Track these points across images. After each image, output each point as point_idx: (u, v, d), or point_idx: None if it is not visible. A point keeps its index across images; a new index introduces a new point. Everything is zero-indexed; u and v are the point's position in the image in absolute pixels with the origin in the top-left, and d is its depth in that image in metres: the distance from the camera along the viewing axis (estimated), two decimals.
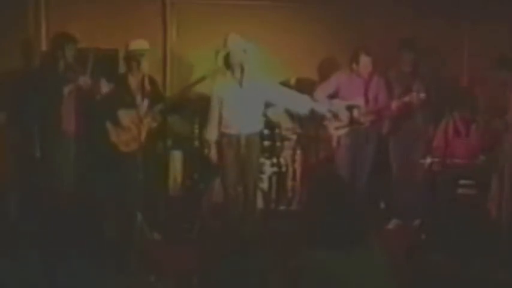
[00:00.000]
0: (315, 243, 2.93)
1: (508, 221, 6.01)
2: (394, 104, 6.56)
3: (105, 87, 6.25)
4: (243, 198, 6.07)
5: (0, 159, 6.62)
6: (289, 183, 6.90)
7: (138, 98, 6.16)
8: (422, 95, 6.34)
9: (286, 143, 6.85)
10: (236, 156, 5.98)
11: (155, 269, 4.98)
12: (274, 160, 6.77)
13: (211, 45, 6.47)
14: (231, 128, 5.98)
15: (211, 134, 6.07)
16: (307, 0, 7.20)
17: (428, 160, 6.39)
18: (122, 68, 6.52)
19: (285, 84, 6.67)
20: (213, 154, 6.07)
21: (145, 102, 6.18)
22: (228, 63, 5.97)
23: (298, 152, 6.95)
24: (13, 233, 2.96)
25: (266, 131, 6.63)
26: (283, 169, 6.82)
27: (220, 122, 6.03)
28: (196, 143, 6.79)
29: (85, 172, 6.42)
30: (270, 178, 6.76)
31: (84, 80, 6.18)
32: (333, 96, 6.67)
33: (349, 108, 6.61)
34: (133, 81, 6.23)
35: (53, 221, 2.97)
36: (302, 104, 6.16)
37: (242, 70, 5.94)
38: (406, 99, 6.46)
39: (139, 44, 6.24)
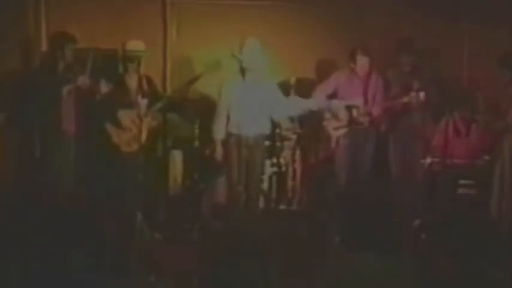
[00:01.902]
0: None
1: (508, 221, 6.01)
2: (383, 107, 6.57)
3: (104, 87, 6.26)
4: (245, 198, 6.09)
5: (0, 159, 6.62)
6: (289, 183, 6.90)
7: (137, 97, 6.17)
8: (422, 95, 6.34)
9: (286, 143, 6.85)
10: (242, 157, 6.02)
11: (155, 269, 4.97)
12: (274, 160, 6.76)
13: (211, 45, 6.48)
14: (239, 129, 6.02)
15: (219, 133, 6.11)
16: (307, 0, 7.20)
17: (428, 160, 6.40)
18: (120, 68, 6.52)
19: (285, 84, 6.67)
20: (219, 153, 6.11)
21: (144, 102, 6.19)
22: (240, 66, 6.03)
23: (298, 152, 6.94)
24: (13, 233, 2.96)
25: (266, 131, 6.63)
26: (283, 169, 6.81)
27: (227, 122, 6.08)
28: (196, 143, 6.79)
29: (85, 172, 6.42)
30: (270, 178, 6.76)
31: (84, 81, 6.18)
32: (332, 96, 6.67)
33: (348, 108, 6.62)
34: (131, 81, 6.24)
35: (53, 221, 2.97)
36: (302, 106, 6.24)
37: (252, 72, 6.00)
38: (405, 100, 6.46)
39: (135, 45, 6.24)
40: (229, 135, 6.10)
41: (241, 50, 6.03)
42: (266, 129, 6.26)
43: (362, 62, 6.55)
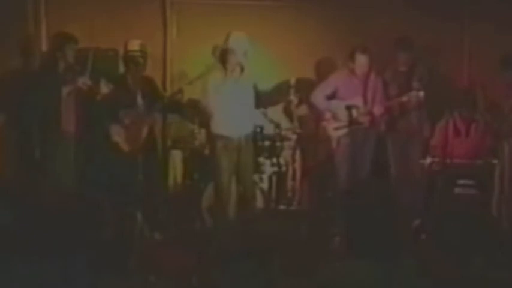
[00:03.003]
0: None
1: (508, 220, 6.01)
2: (379, 108, 6.57)
3: (104, 87, 6.25)
4: (242, 199, 6.09)
5: (0, 159, 6.62)
6: (289, 183, 6.90)
7: (137, 97, 6.18)
8: (421, 94, 6.33)
9: (286, 143, 6.85)
10: (232, 158, 5.98)
11: (155, 269, 4.98)
12: (274, 160, 6.76)
13: (211, 45, 6.47)
14: (227, 130, 5.97)
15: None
16: (307, 0, 7.20)
17: (428, 160, 6.40)
18: (121, 68, 6.52)
19: (285, 84, 6.68)
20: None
21: (144, 102, 6.20)
22: (225, 60, 5.95)
23: (298, 152, 6.94)
24: (12, 234, 2.96)
25: (266, 131, 6.63)
26: (283, 169, 6.81)
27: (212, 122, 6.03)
28: (196, 143, 6.79)
29: (85, 172, 6.42)
30: (270, 178, 6.75)
31: (83, 81, 6.17)
32: (331, 96, 6.67)
33: (348, 108, 6.61)
34: (131, 81, 6.24)
35: (53, 221, 2.96)
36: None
37: (240, 69, 5.93)
38: (405, 98, 6.46)
39: (136, 45, 6.25)
40: (218, 137, 6.04)
41: (227, 43, 5.94)
42: (255, 128, 6.20)
43: (361, 60, 6.53)
